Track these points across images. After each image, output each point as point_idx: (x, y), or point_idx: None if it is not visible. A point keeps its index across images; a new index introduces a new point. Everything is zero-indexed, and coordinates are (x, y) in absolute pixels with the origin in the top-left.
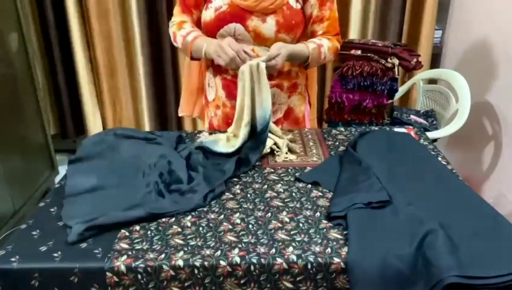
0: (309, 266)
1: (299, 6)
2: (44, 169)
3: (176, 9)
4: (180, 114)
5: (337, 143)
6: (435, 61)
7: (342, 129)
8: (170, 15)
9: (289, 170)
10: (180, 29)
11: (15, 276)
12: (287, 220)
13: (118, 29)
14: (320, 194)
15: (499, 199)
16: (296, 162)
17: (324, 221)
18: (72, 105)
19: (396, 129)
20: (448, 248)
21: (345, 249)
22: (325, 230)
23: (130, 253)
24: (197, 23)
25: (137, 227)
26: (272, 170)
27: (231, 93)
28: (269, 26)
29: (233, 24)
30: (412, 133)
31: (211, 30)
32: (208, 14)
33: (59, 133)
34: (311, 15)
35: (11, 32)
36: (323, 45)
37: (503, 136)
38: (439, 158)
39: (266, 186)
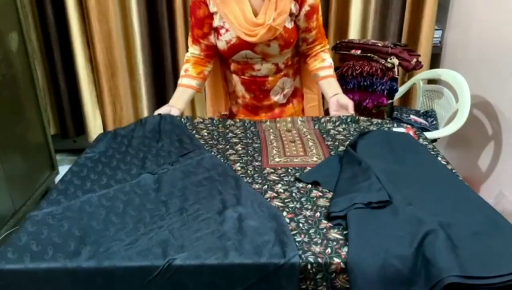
0: (309, 266)
1: (292, 24)
2: (44, 169)
3: (189, 40)
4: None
5: (336, 143)
6: (435, 61)
7: (341, 129)
8: (170, 15)
9: (289, 170)
10: (183, 69)
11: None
12: (287, 220)
13: (118, 29)
14: (320, 194)
15: (499, 199)
16: (296, 162)
17: (324, 221)
18: (72, 105)
19: (395, 129)
20: (448, 248)
21: (345, 249)
22: (325, 230)
23: None
24: (206, 50)
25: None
26: (272, 170)
27: (249, 88)
28: (273, 48)
29: (244, 51)
30: (411, 133)
31: (226, 56)
32: (221, 45)
33: (59, 133)
34: (300, 26)
35: (11, 32)
36: (331, 64)
37: (503, 136)
38: (439, 158)
39: (266, 186)
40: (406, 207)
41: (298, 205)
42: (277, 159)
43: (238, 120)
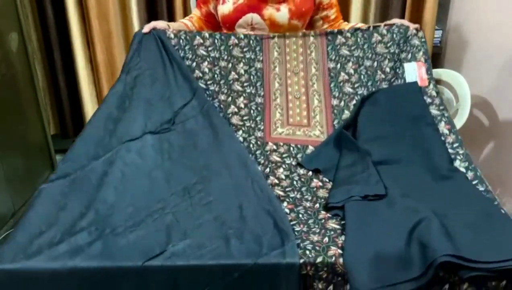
0: (307, 252)
1: None
2: (44, 169)
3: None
4: None
5: (342, 103)
6: (435, 61)
7: (352, 70)
8: (170, 15)
9: (291, 148)
10: (189, 16)
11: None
12: (287, 211)
13: (118, 29)
14: (320, 184)
15: (499, 199)
16: (299, 135)
17: (323, 212)
18: (72, 105)
19: (406, 64)
20: (442, 233)
21: (342, 238)
22: (323, 220)
23: None
24: (206, 16)
25: None
26: (275, 147)
27: None
28: (282, 14)
29: (250, 14)
30: (424, 69)
31: (230, 21)
32: (226, 8)
33: (59, 133)
34: (321, 2)
35: (11, 32)
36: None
37: (503, 136)
38: (443, 121)
39: (268, 169)
40: (402, 198)
41: (298, 196)
42: (279, 130)
43: (242, 36)
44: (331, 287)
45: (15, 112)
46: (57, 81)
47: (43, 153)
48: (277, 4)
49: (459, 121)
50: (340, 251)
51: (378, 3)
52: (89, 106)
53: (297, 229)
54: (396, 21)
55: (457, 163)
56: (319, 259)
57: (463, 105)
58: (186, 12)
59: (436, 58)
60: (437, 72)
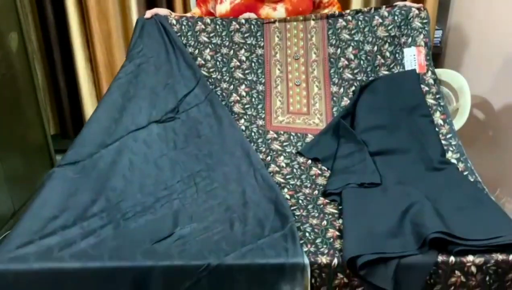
0: (307, 234)
1: None
2: (44, 169)
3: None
4: None
5: (341, 89)
6: (435, 61)
7: (352, 56)
8: None
9: (291, 137)
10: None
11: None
12: (288, 197)
13: (118, 29)
14: (319, 172)
15: (499, 199)
16: (299, 123)
17: (322, 198)
18: (72, 105)
19: (406, 50)
20: (434, 214)
21: (340, 221)
22: (322, 206)
23: None
24: (206, 14)
25: None
26: (275, 135)
27: None
28: (279, 13)
29: (247, 14)
30: (423, 54)
31: None
32: (223, 7)
33: (59, 133)
34: (321, 1)
35: (11, 32)
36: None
37: (503, 136)
38: (438, 111)
39: (269, 157)
40: (396, 186)
41: (298, 183)
42: (280, 118)
43: (243, 21)
44: (335, 260)
45: (15, 112)
46: (57, 81)
47: (43, 153)
48: (274, 3)
49: (459, 121)
50: (338, 233)
51: (378, 3)
52: (89, 106)
53: (297, 213)
54: (399, 3)
55: (449, 154)
56: (318, 240)
57: (463, 105)
58: (186, 12)
59: (436, 58)
60: (437, 72)
